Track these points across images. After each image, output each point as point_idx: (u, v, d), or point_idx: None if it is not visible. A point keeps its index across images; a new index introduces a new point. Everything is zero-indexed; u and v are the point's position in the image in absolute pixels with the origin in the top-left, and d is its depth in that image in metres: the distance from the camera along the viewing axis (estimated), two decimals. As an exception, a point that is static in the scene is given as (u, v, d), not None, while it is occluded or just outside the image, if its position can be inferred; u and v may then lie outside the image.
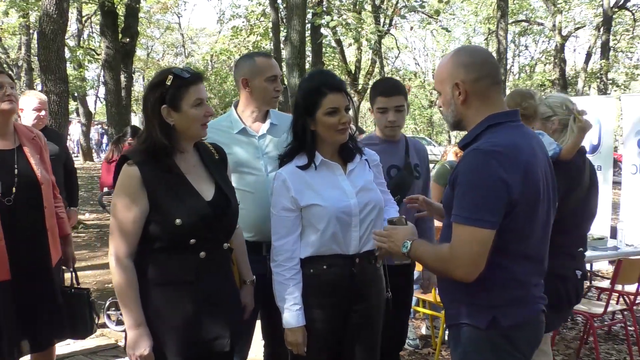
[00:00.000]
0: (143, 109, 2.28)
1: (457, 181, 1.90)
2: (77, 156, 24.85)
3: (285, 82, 10.28)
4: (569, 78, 26.74)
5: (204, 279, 2.24)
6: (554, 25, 22.78)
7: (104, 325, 4.99)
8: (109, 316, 5.05)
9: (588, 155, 3.32)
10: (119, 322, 4.84)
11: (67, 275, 3.54)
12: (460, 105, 2.00)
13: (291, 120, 2.56)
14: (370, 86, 3.26)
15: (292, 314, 2.42)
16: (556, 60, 23.55)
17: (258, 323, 2.97)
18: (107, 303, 5.10)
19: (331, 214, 2.40)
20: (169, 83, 2.19)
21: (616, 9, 22.12)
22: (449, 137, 43.72)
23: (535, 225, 1.94)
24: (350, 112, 2.52)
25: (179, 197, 2.21)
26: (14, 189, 2.96)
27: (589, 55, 25.71)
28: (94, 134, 27.36)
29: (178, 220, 2.15)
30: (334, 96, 2.42)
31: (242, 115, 2.92)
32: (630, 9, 23.05)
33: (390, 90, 3.15)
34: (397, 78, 28.10)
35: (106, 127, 19.88)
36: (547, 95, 3.60)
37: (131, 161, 2.20)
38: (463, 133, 2.11)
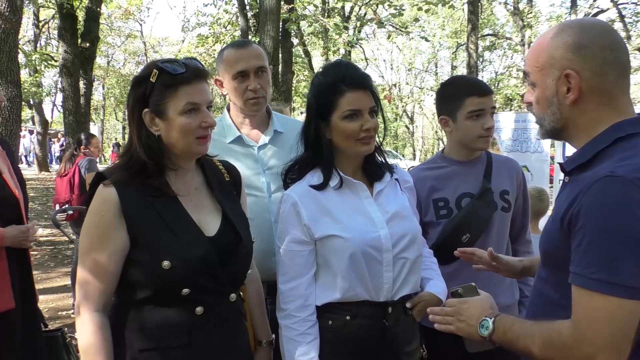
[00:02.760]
0: (127, 111, 1.72)
1: (579, 223, 1.29)
2: (31, 166, 23.76)
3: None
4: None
5: (200, 342, 1.65)
6: (522, 40, 22.81)
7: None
8: None
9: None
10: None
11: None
12: (568, 107, 1.39)
13: (302, 127, 2.00)
14: (441, 87, 2.53)
15: None
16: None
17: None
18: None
19: (355, 249, 1.83)
20: (153, 80, 1.62)
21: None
22: (414, 150, 43.90)
23: None
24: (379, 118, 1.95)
25: (170, 231, 1.62)
26: None
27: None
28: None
29: (166, 263, 1.58)
30: (354, 95, 1.87)
31: (235, 121, 2.35)
32: (596, 26, 23.30)
33: (486, 88, 2.38)
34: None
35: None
36: None
37: (108, 181, 1.63)
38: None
